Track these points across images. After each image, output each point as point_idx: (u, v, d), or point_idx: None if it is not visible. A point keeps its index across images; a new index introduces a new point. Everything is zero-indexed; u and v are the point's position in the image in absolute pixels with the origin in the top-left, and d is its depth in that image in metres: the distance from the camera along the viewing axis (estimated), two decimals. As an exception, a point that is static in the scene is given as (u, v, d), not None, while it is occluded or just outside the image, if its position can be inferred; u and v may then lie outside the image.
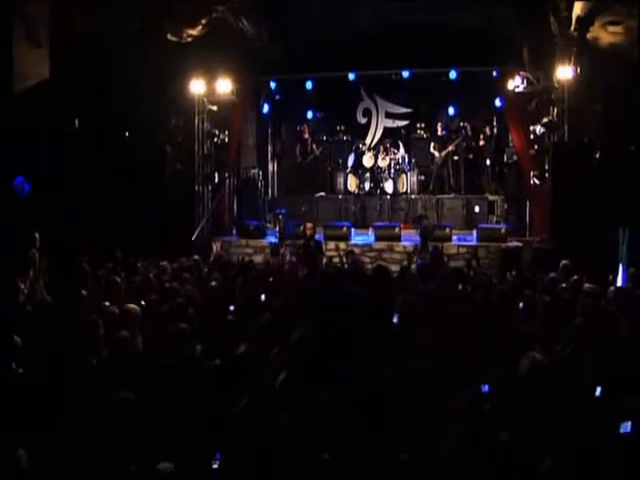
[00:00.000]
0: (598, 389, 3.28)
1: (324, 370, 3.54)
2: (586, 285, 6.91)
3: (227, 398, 3.10)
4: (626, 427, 2.56)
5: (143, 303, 5.88)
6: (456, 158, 14.96)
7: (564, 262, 8.32)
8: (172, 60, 11.47)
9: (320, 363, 3.56)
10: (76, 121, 10.89)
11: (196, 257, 8.28)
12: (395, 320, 5.11)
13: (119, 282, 6.89)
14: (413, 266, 9.34)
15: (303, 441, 2.76)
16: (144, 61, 10.77)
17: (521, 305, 5.63)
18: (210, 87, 12.60)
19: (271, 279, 6.91)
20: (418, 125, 16.03)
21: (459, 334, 4.62)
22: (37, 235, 6.79)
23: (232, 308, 5.47)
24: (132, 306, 5.33)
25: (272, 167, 16.82)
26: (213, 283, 6.67)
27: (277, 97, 16.17)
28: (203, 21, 10.58)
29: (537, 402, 2.89)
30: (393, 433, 2.90)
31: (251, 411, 2.96)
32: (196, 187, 12.66)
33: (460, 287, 6.80)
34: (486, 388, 3.10)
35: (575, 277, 7.39)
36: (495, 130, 15.29)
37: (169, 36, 11.02)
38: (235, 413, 2.90)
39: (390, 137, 16.06)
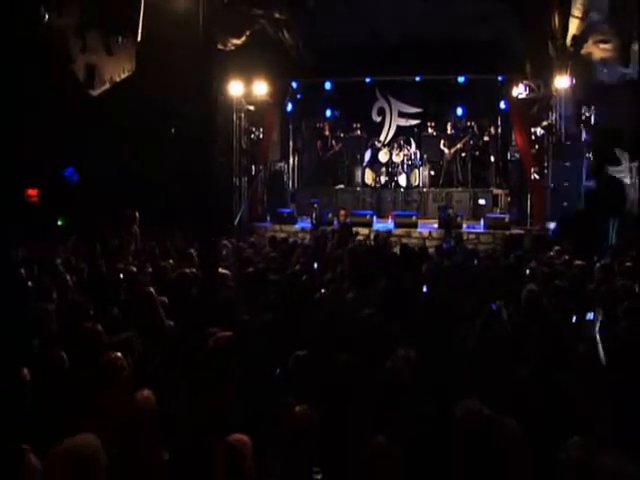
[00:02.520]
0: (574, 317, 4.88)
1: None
2: (576, 262, 8.51)
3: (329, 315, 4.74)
4: (590, 315, 4.15)
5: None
6: (464, 155, 16.46)
7: (557, 248, 9.98)
8: (216, 65, 12.98)
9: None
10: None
11: (252, 239, 9.91)
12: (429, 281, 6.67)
13: (194, 254, 8.47)
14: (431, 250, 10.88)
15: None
16: (193, 66, 12.26)
17: (527, 272, 7.23)
18: (247, 89, 14.14)
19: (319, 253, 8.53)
20: (429, 124, 17.43)
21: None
22: (137, 214, 8.33)
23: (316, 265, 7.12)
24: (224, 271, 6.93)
25: (293, 161, 18.32)
26: (273, 254, 8.28)
27: (299, 96, 17.68)
28: (247, 32, 12.11)
29: (531, 312, 4.50)
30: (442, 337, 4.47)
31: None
32: (234, 179, 14.21)
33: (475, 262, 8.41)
34: (495, 306, 4.67)
35: (566, 256, 9.03)
36: (500, 129, 16.82)
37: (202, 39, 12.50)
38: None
39: (403, 135, 17.51)
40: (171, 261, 7.36)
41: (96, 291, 5.95)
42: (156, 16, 11.04)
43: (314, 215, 12.89)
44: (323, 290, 5.34)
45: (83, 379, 3.45)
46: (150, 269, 6.77)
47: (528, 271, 7.20)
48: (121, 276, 6.08)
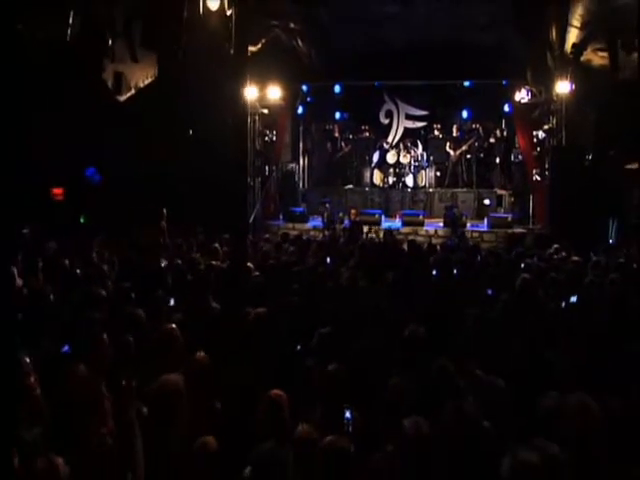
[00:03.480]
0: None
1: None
2: (573, 258, 9.13)
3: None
4: (573, 298, 4.78)
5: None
6: (469, 156, 17.03)
7: (555, 245, 10.60)
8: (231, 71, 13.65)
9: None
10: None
11: (267, 235, 10.57)
12: (434, 272, 7.32)
13: (218, 249, 9.13)
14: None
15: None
16: (211, 72, 12.93)
17: (523, 265, 7.85)
18: (261, 93, 14.78)
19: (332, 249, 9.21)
20: (435, 126, 18.00)
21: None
22: (165, 210, 9.01)
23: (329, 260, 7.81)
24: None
25: (303, 162, 18.91)
26: (291, 249, 8.93)
27: (309, 99, 18.29)
28: (263, 40, 12.78)
29: (523, 297, 5.17)
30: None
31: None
32: (248, 179, 14.85)
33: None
34: (490, 291, 5.30)
35: (564, 253, 9.66)
36: (504, 132, 17.36)
37: (232, 51, 13.19)
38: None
39: (410, 136, 18.09)
40: (198, 254, 8.04)
41: (132, 279, 6.62)
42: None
43: (325, 214, 13.57)
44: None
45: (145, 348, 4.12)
46: (179, 261, 7.44)
47: (523, 265, 7.83)
48: (162, 265, 6.79)
